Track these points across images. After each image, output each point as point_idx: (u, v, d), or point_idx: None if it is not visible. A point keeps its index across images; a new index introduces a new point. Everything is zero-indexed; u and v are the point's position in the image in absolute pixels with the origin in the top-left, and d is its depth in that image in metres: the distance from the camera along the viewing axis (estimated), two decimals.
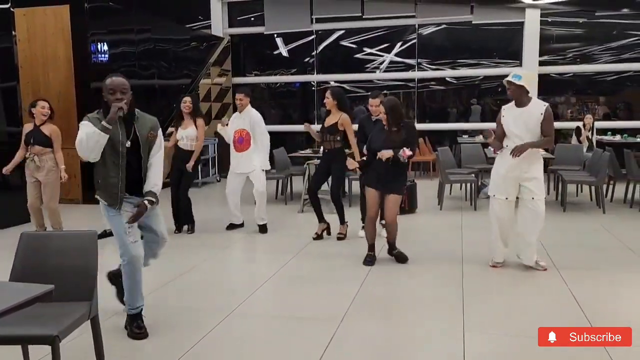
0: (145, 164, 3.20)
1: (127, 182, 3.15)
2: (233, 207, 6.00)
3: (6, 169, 5.44)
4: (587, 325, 3.28)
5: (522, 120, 4.25)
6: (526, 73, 4.39)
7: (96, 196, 3.26)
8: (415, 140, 4.70)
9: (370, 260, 4.69)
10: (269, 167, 6.03)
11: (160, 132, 3.30)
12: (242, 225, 6.11)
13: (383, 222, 5.43)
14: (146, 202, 3.15)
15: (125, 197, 3.17)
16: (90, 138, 2.96)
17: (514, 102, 4.34)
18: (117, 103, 2.99)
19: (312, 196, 5.57)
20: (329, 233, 5.66)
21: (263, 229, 5.94)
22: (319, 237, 5.57)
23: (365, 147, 4.81)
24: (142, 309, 3.27)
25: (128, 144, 3.11)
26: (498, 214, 4.43)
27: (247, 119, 5.78)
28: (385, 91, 5.67)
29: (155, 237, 3.41)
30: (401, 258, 4.70)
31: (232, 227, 6.07)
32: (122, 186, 3.14)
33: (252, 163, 5.81)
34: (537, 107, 4.26)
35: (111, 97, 3.03)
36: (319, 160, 6.05)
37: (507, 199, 4.38)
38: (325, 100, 5.45)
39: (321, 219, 5.60)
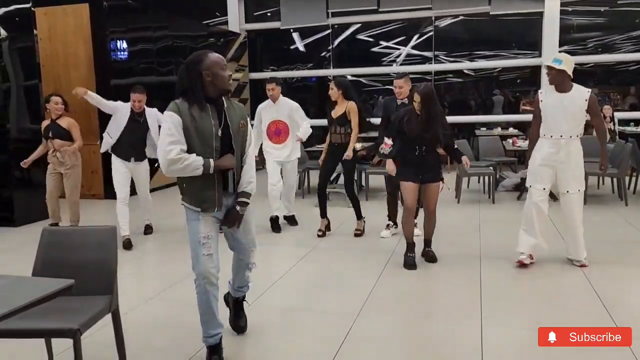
0: (239, 160, 2.80)
1: (223, 177, 2.76)
2: (276, 199, 5.79)
3: (24, 162, 5.60)
4: (609, 321, 3.24)
5: (562, 106, 4.07)
6: (566, 56, 4.15)
7: (182, 202, 2.83)
8: (450, 133, 4.46)
9: (411, 263, 4.38)
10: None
11: (249, 120, 2.88)
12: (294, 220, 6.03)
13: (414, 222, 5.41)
14: (238, 208, 2.77)
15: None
16: (187, 166, 2.61)
17: (553, 86, 4.14)
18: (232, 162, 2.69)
19: (322, 192, 5.47)
20: (329, 229, 5.59)
21: (293, 220, 6.04)
22: (324, 234, 5.51)
23: (387, 132, 4.48)
24: (219, 338, 2.87)
25: (219, 132, 2.70)
26: (539, 205, 4.21)
27: (285, 109, 5.66)
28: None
29: (241, 247, 3.03)
30: (431, 258, 4.51)
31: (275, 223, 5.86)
32: (220, 186, 2.73)
33: (291, 154, 5.73)
34: (581, 93, 4.07)
35: (222, 73, 2.65)
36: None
37: (544, 189, 4.21)
38: (330, 92, 5.30)
39: (324, 214, 5.54)
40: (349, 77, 11.34)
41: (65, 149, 5.44)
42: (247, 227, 2.98)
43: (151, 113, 5.50)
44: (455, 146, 4.57)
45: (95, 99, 5.39)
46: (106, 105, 5.45)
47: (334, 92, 5.30)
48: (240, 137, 2.80)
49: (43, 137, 5.58)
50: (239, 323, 3.24)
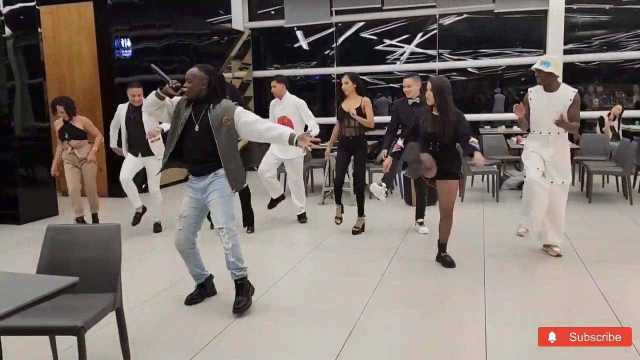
0: (221, 148, 3.36)
1: (193, 162, 3.45)
2: (267, 182, 5.94)
3: (53, 171, 5.74)
4: (614, 320, 3.23)
5: (548, 105, 4.23)
6: (554, 58, 4.33)
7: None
8: (468, 127, 4.28)
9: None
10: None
11: (237, 111, 3.42)
12: (283, 197, 6.08)
13: (420, 220, 5.43)
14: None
15: (191, 181, 3.50)
16: (149, 95, 3.45)
17: (542, 86, 4.30)
18: (177, 84, 3.36)
19: (339, 188, 5.46)
20: (342, 211, 5.54)
21: (303, 217, 6.09)
22: (341, 220, 5.51)
23: (399, 136, 4.43)
24: (203, 278, 3.72)
25: (197, 127, 3.36)
26: (535, 180, 4.25)
27: (290, 106, 5.76)
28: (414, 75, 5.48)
29: (216, 225, 3.47)
30: (448, 263, 4.34)
31: (273, 203, 6.07)
32: (168, 154, 3.45)
33: (293, 150, 5.77)
34: (566, 93, 4.24)
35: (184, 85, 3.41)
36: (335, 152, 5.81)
37: (538, 169, 4.30)
38: (344, 86, 5.29)
39: (339, 202, 5.51)
40: None
41: (83, 146, 5.65)
42: (215, 206, 3.43)
43: None
44: (472, 140, 4.22)
45: (115, 136, 5.79)
46: (115, 125, 5.78)
47: (348, 86, 5.27)
48: (225, 131, 3.37)
49: (59, 138, 5.66)
50: (234, 304, 3.47)
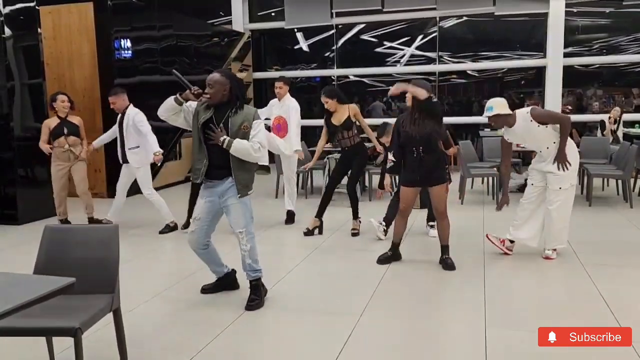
0: (233, 155, 3.39)
1: (210, 166, 3.44)
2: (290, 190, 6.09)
3: (47, 150, 5.68)
4: (613, 321, 3.23)
5: (520, 135, 4.44)
6: (495, 100, 4.51)
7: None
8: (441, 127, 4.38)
9: (384, 259, 4.50)
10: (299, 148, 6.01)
11: (257, 122, 3.47)
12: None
13: (432, 223, 5.40)
14: (219, 128, 3.39)
15: (208, 181, 3.50)
16: (164, 103, 3.45)
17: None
18: (199, 91, 3.37)
19: (328, 192, 5.51)
20: (320, 232, 5.52)
21: (291, 217, 6.07)
22: (309, 232, 5.47)
23: (389, 147, 4.59)
24: (222, 273, 3.84)
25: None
26: (524, 195, 4.65)
27: (286, 107, 5.86)
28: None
29: (233, 229, 3.58)
30: (448, 265, 4.32)
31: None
32: (205, 163, 3.43)
33: (290, 148, 5.89)
34: (522, 117, 4.38)
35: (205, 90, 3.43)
36: (339, 155, 5.98)
37: (532, 184, 4.56)
38: (326, 106, 5.38)
39: (320, 214, 5.51)
40: (352, 77, 11.35)
41: (79, 144, 5.71)
42: (235, 210, 3.50)
43: (130, 113, 5.58)
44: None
45: (104, 140, 5.88)
46: (114, 131, 5.78)
47: (331, 104, 5.36)
48: (240, 136, 3.40)
49: (52, 136, 5.63)
50: (248, 301, 3.59)
